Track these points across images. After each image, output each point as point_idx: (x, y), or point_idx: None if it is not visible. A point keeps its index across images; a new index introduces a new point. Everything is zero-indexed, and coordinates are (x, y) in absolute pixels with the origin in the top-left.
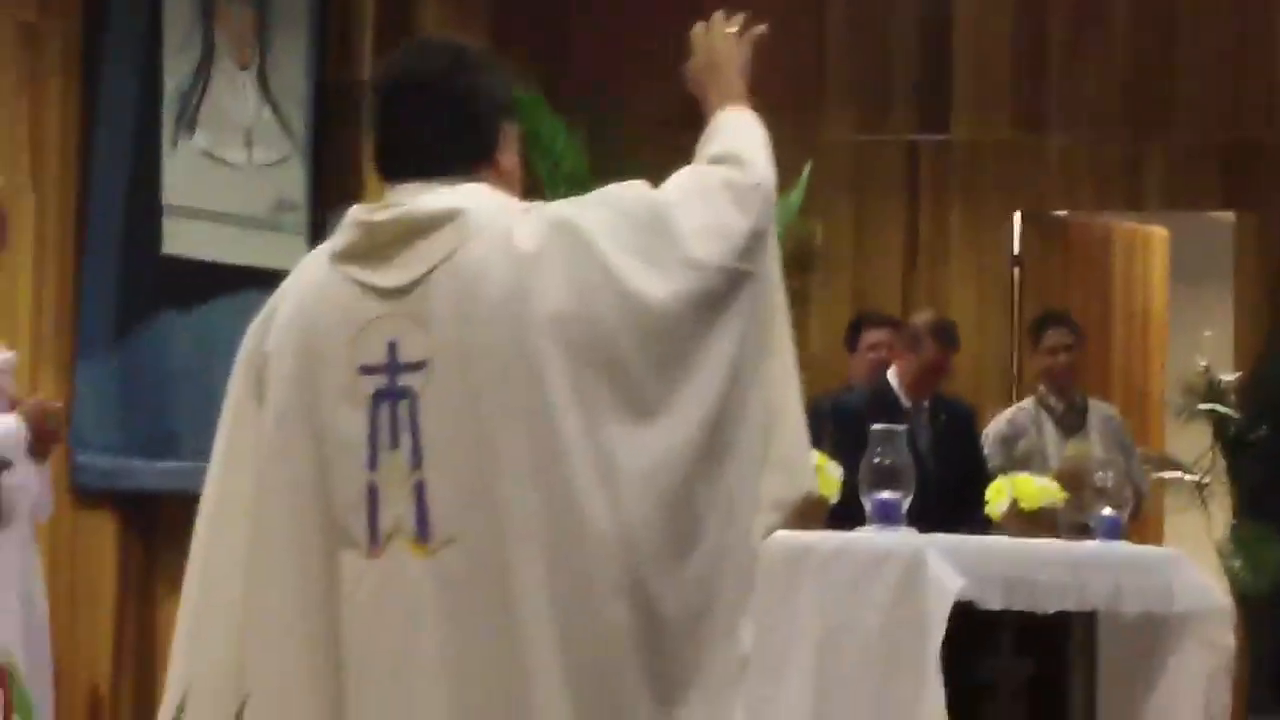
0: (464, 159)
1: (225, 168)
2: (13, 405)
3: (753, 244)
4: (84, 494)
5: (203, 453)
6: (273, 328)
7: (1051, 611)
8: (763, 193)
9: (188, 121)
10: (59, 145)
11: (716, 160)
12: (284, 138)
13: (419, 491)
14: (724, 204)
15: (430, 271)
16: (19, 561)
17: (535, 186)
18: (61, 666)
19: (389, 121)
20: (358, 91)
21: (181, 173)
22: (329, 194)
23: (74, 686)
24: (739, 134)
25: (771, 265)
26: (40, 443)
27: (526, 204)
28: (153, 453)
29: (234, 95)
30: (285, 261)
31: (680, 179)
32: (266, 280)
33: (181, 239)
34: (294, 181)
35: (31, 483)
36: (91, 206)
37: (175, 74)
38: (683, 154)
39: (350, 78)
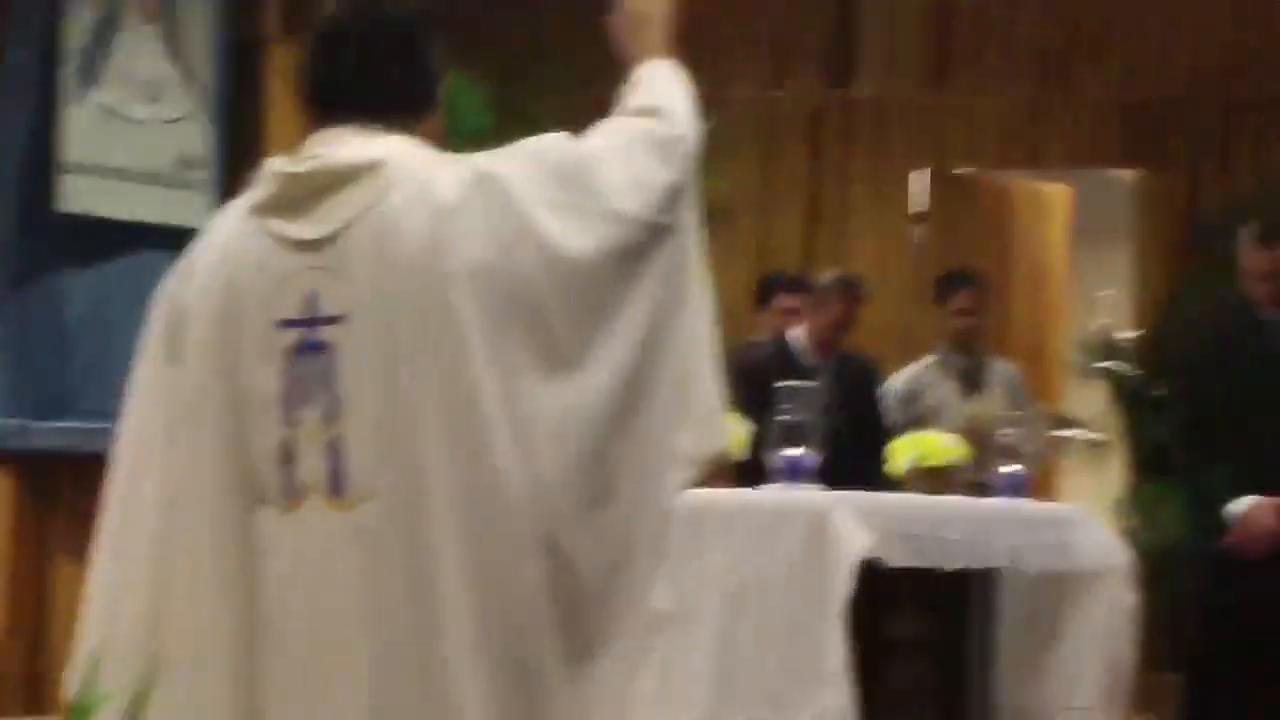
0: (403, 110)
1: (128, 124)
2: None
3: (673, 197)
4: None
5: (99, 413)
6: (189, 283)
7: (954, 568)
8: (684, 146)
9: (90, 76)
10: None
11: (639, 112)
12: (189, 94)
13: (335, 446)
14: (646, 157)
15: (350, 224)
16: None
17: (443, 145)
18: None
19: (333, 58)
20: (265, 49)
21: (82, 128)
22: (235, 151)
23: None
24: (662, 87)
25: (690, 220)
26: None
27: (447, 156)
28: (48, 412)
29: (138, 50)
30: (189, 219)
31: (602, 131)
32: (169, 238)
33: (81, 196)
34: (199, 138)
35: None
36: None
37: (77, 28)
38: (587, 113)
39: (257, 33)
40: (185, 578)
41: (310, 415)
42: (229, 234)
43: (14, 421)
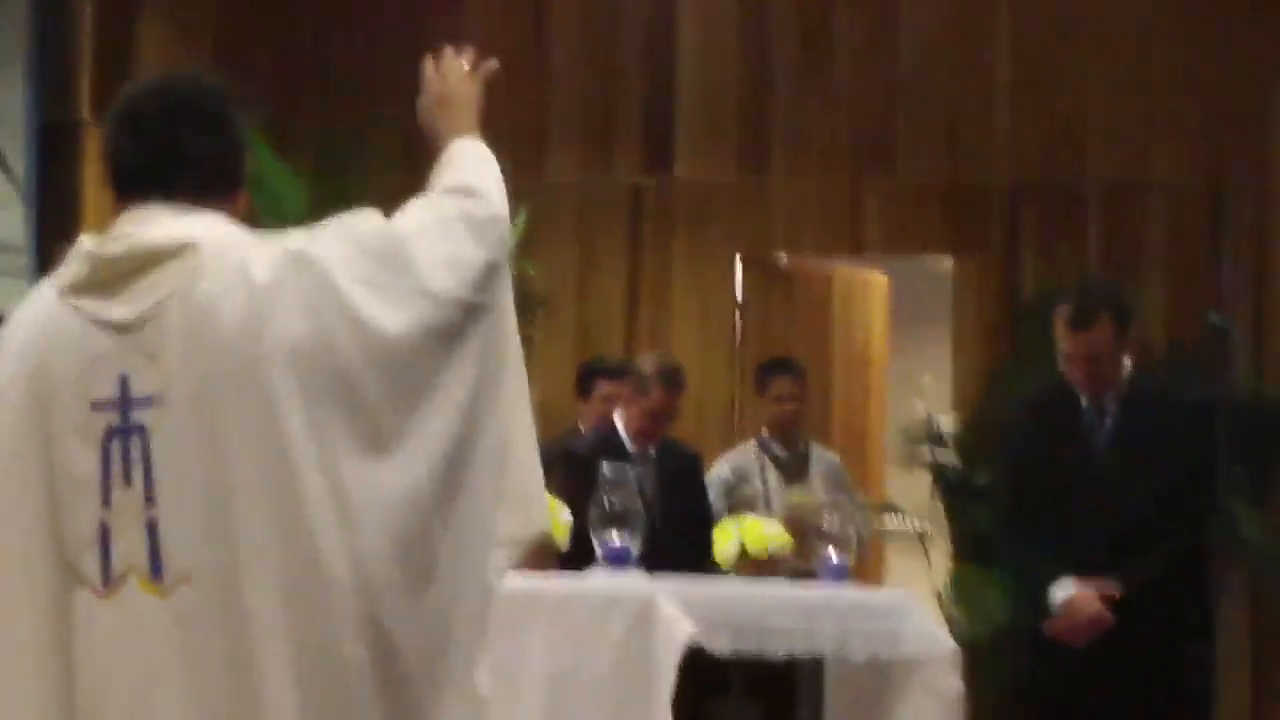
0: (210, 186)
1: None
2: None
3: (488, 275)
4: None
5: None
6: (0, 362)
7: (779, 656)
8: (498, 224)
9: None
10: None
11: (451, 191)
12: (2, 179)
13: (151, 529)
14: (459, 235)
15: (162, 303)
16: None
17: (255, 225)
18: None
19: (139, 134)
20: (78, 131)
21: None
22: (49, 236)
23: None
24: (473, 166)
25: (505, 297)
26: None
27: (259, 236)
28: None
29: None
30: (2, 304)
31: (415, 209)
32: None
33: None
34: (12, 223)
35: None
36: None
37: None
38: (404, 196)
39: (70, 117)
40: (0, 662)
41: (127, 497)
42: (39, 314)
43: None
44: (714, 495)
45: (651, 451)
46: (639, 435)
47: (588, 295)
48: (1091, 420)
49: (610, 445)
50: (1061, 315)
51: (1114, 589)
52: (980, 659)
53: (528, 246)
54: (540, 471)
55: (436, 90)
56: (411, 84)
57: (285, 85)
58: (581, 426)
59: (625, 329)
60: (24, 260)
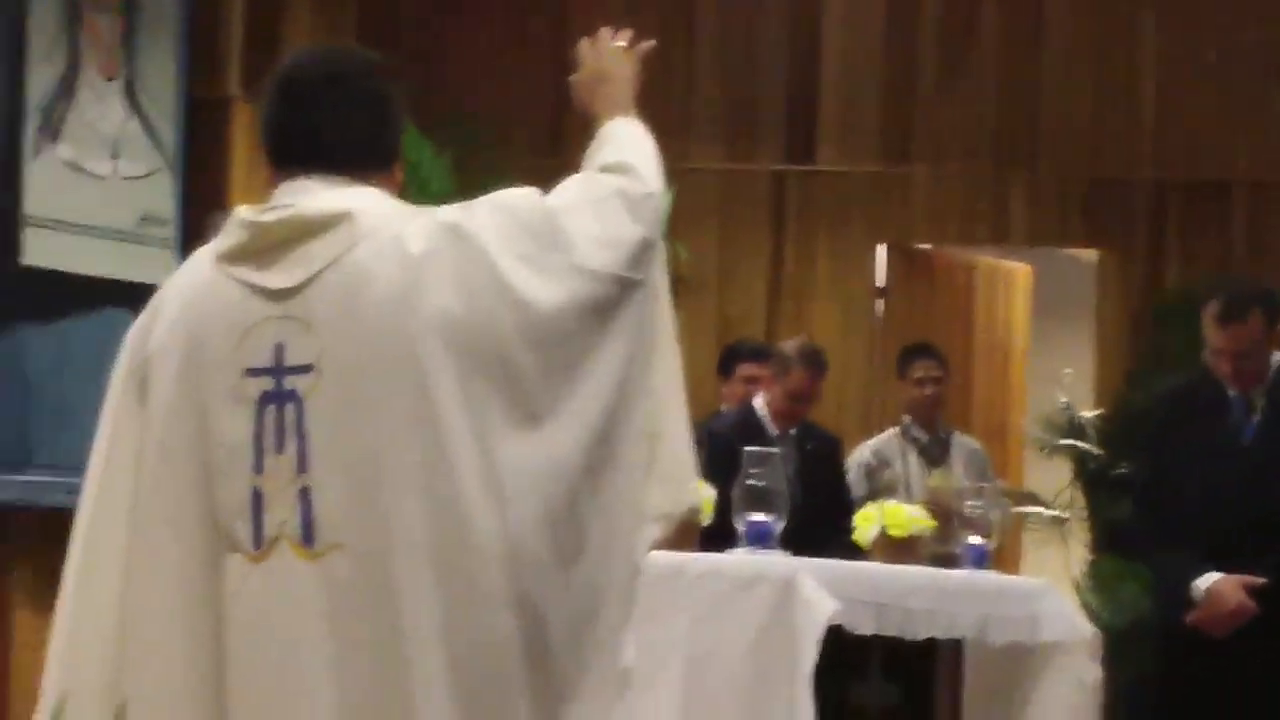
0: (367, 162)
1: (90, 179)
2: None
3: (643, 253)
4: None
5: (56, 466)
6: (154, 331)
7: (921, 638)
8: (653, 203)
9: (51, 132)
10: None
11: (607, 169)
12: (152, 150)
13: (304, 495)
14: (616, 212)
15: (318, 273)
16: None
17: (399, 194)
18: None
19: (297, 108)
20: (227, 106)
21: (44, 183)
22: (197, 208)
23: None
24: (629, 144)
25: (659, 275)
26: None
27: (416, 208)
28: (8, 465)
29: (100, 107)
30: (151, 275)
31: (571, 186)
32: (131, 294)
33: (43, 250)
34: (162, 195)
35: None
36: None
37: (39, 83)
38: (549, 177)
39: (219, 92)
40: (152, 623)
41: (279, 464)
42: (195, 282)
43: None
44: (854, 479)
45: (792, 433)
46: (780, 417)
47: (729, 282)
48: (1239, 414)
49: (751, 426)
50: (1211, 310)
51: (1258, 580)
52: (1117, 648)
53: (672, 230)
54: (691, 447)
55: (593, 69)
56: (556, 66)
57: (429, 64)
58: (723, 408)
59: (766, 316)
60: (173, 232)
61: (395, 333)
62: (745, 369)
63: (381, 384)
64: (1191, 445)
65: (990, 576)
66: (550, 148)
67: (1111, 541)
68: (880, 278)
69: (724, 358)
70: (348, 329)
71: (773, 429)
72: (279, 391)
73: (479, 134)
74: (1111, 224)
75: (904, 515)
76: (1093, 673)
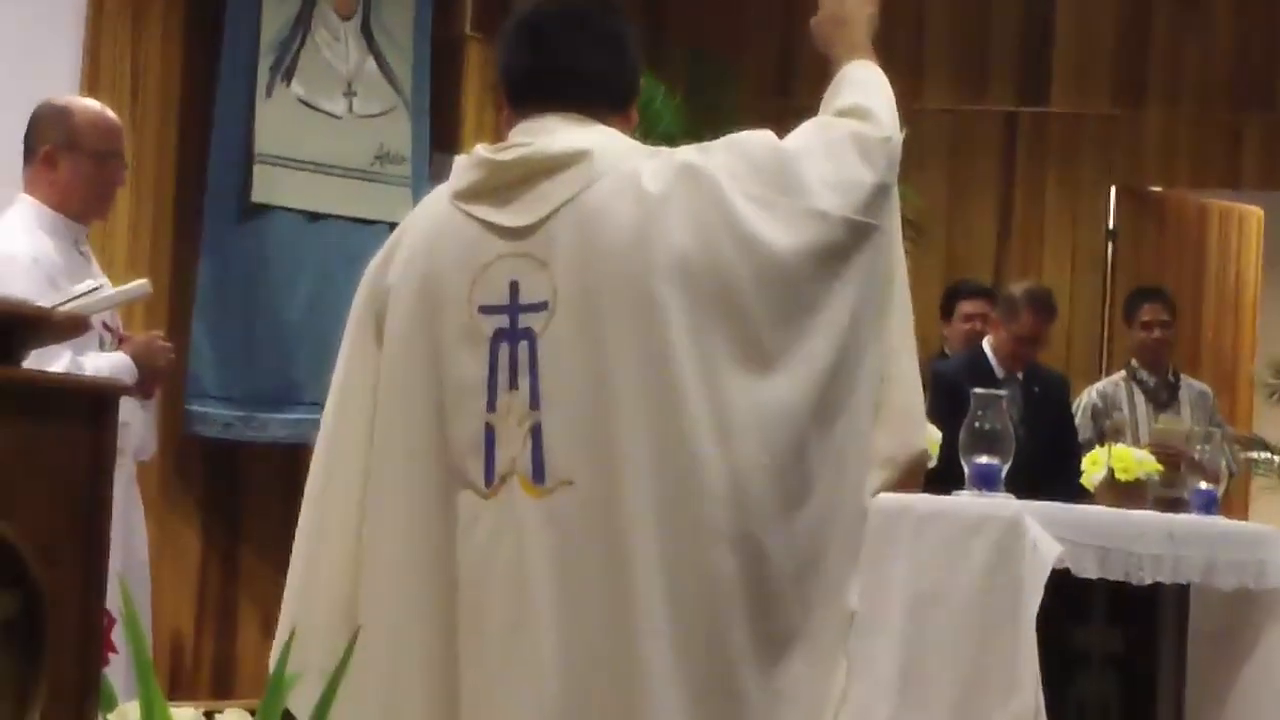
0: (607, 100)
1: (324, 117)
2: (121, 341)
3: (878, 198)
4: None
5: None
6: (392, 266)
7: (1146, 583)
8: (890, 148)
9: (286, 70)
10: (160, 88)
11: (844, 113)
12: (388, 89)
13: (535, 432)
14: (850, 157)
15: (555, 211)
16: (121, 500)
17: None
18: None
19: (538, 47)
20: (462, 45)
21: (277, 121)
22: (433, 147)
23: (158, 631)
24: (867, 88)
25: (893, 220)
26: (146, 381)
27: (653, 148)
28: (252, 404)
29: (335, 46)
30: (387, 213)
31: (807, 130)
32: (369, 231)
33: (274, 188)
34: (398, 133)
35: (136, 420)
36: (186, 153)
37: (274, 21)
38: (778, 118)
39: (454, 32)
40: (385, 557)
41: (512, 401)
42: (432, 219)
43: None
44: (1080, 422)
45: (1019, 376)
46: (1008, 359)
47: (958, 223)
48: None
49: (978, 368)
50: None
51: None
52: None
53: (902, 172)
54: (921, 392)
55: (832, 11)
56: (786, 4)
57: (658, 5)
58: (947, 349)
59: (995, 258)
60: (409, 170)
61: (631, 271)
62: (966, 306)
63: (615, 322)
64: None
65: (1217, 521)
66: (780, 87)
67: None
68: (1111, 220)
69: (945, 298)
70: (583, 267)
71: (1000, 371)
72: (513, 329)
73: (710, 73)
74: None
75: (1131, 459)
76: None
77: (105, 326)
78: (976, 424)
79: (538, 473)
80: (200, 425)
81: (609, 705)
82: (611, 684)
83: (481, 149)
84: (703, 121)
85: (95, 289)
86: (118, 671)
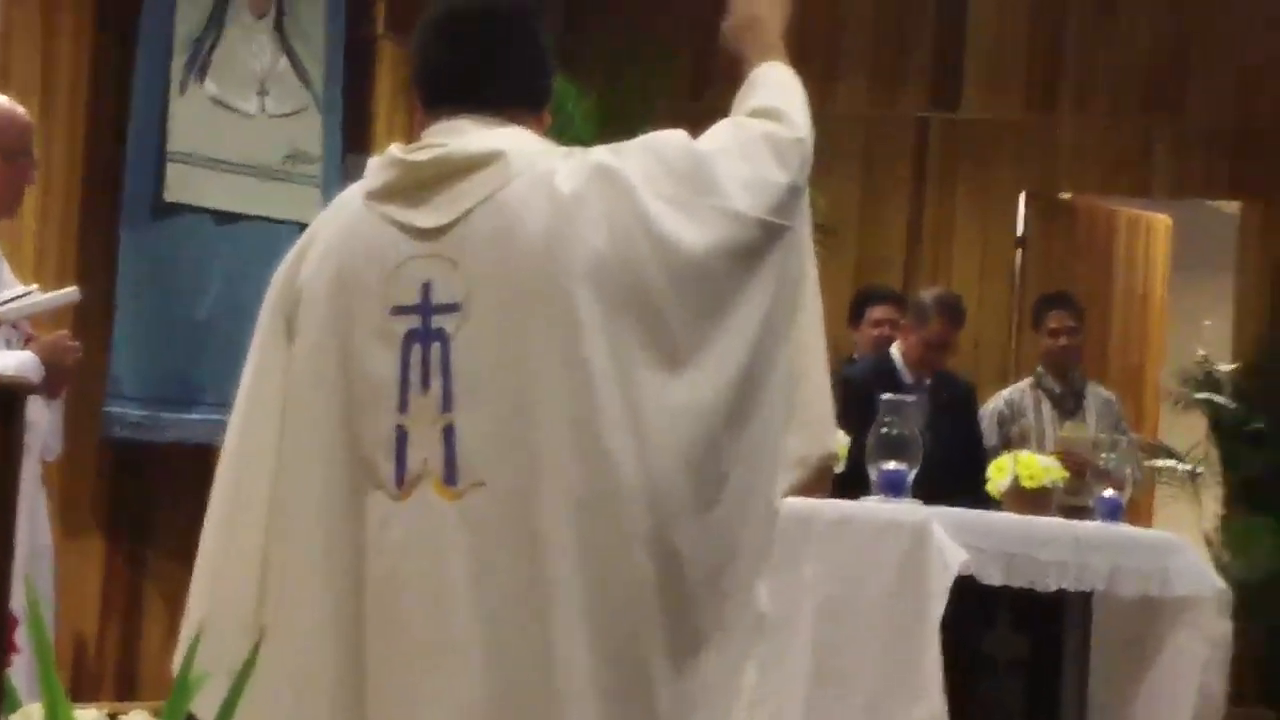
0: (521, 102)
1: (236, 116)
2: (28, 340)
3: (791, 199)
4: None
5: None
6: (304, 266)
7: (1051, 590)
8: (802, 149)
9: (199, 68)
10: (71, 85)
11: (756, 114)
12: (300, 88)
13: (448, 434)
14: (764, 157)
15: (468, 212)
16: (27, 499)
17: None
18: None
19: (452, 47)
20: (374, 45)
21: (190, 119)
22: (345, 146)
23: (62, 633)
24: (780, 89)
25: (804, 222)
26: (53, 380)
27: (566, 149)
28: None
29: (248, 44)
30: (298, 213)
31: (720, 130)
32: (280, 230)
33: (187, 186)
34: (310, 133)
35: (43, 420)
36: (96, 151)
37: (188, 19)
38: (693, 121)
39: (365, 31)
40: (294, 557)
41: (424, 402)
42: (345, 219)
43: (128, 412)
44: (987, 429)
45: (927, 382)
46: (916, 365)
47: (869, 228)
48: None
49: (887, 374)
50: None
51: None
52: (1249, 604)
53: (813, 176)
54: (830, 394)
55: (743, 13)
56: (705, 7)
57: (574, 6)
58: (855, 354)
59: (905, 263)
60: (320, 170)
61: (545, 272)
62: (875, 311)
63: (528, 323)
64: None
65: (1122, 529)
66: (695, 90)
67: (1246, 495)
68: (1020, 226)
69: (855, 302)
70: (497, 268)
71: (908, 377)
72: (425, 330)
73: (624, 75)
74: (1256, 175)
75: (1037, 466)
76: (1222, 628)
77: (13, 325)
78: (884, 430)
79: (450, 474)
80: (117, 426)
81: (527, 707)
82: (531, 687)
83: (395, 149)
84: (617, 123)
85: (27, 293)
86: (20, 672)
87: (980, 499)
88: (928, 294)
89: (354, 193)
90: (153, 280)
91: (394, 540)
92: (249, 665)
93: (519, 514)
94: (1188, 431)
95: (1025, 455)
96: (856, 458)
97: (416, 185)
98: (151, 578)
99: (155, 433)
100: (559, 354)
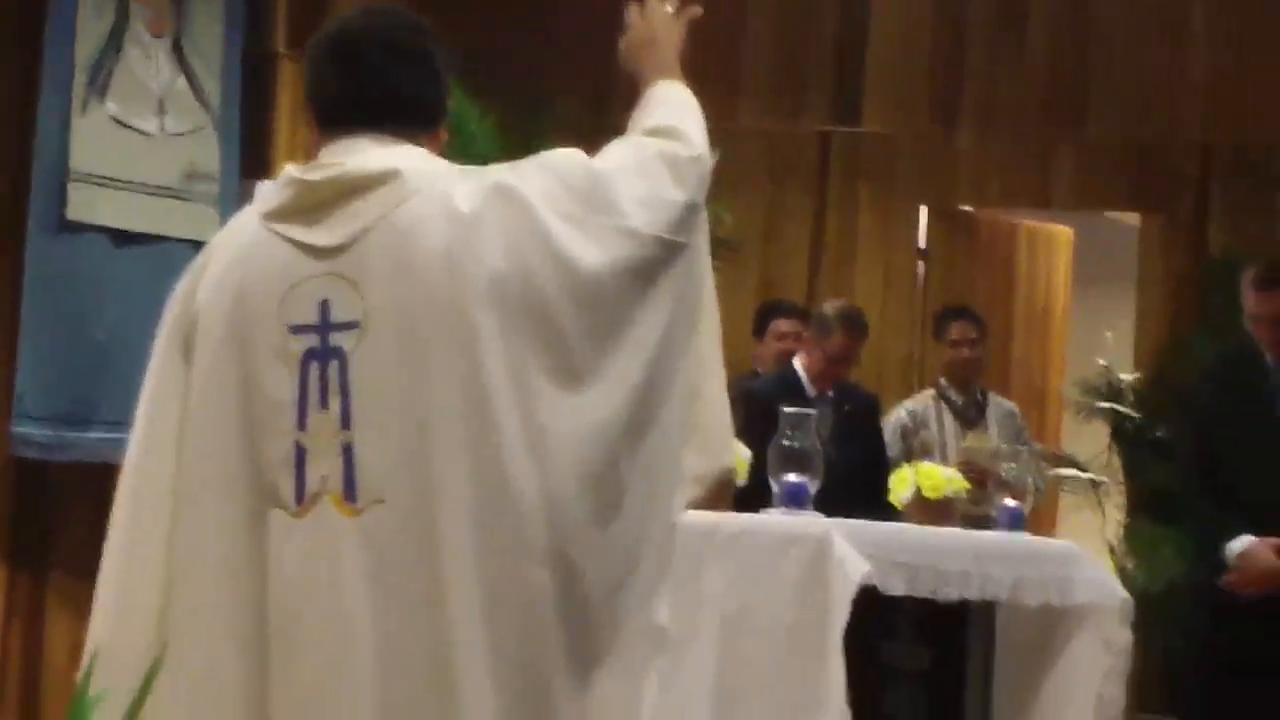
0: (417, 121)
1: (136, 135)
2: None
3: (687, 216)
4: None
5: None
6: (200, 286)
7: (954, 600)
8: (698, 167)
9: (99, 87)
10: None
11: (653, 132)
12: (198, 107)
13: (346, 451)
14: (661, 175)
15: (365, 231)
16: None
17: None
18: None
19: (346, 67)
20: (273, 63)
21: (91, 138)
22: (244, 166)
23: None
24: (676, 108)
25: (702, 239)
26: None
27: (465, 168)
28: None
29: (146, 63)
30: (197, 232)
31: (618, 149)
32: (179, 249)
33: (89, 205)
34: (208, 152)
35: None
36: (8, 169)
37: (88, 39)
38: (593, 140)
39: (264, 49)
40: (194, 577)
41: (323, 420)
42: (242, 239)
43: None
44: (889, 440)
45: (829, 394)
46: (819, 378)
47: (773, 242)
48: (1277, 383)
49: (789, 387)
50: (1249, 277)
51: None
52: (1152, 613)
53: (715, 192)
54: (728, 409)
55: (640, 32)
56: (600, 28)
57: (474, 27)
58: (758, 368)
59: (808, 277)
60: (218, 189)
61: (443, 291)
62: (778, 325)
63: (427, 341)
64: (1231, 413)
65: (1023, 539)
66: (594, 109)
67: (1148, 505)
68: (922, 239)
69: (758, 316)
70: (394, 286)
71: (811, 390)
72: (324, 348)
73: (523, 95)
74: (1156, 188)
75: (939, 477)
76: (1124, 636)
77: None
78: (786, 442)
79: (349, 491)
80: (22, 445)
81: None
82: (429, 702)
83: (291, 169)
84: (516, 143)
85: None
86: None
87: (883, 510)
88: (830, 307)
89: (251, 213)
90: (55, 299)
91: (294, 558)
92: (146, 686)
93: (418, 530)
94: (1090, 441)
95: (927, 466)
96: (759, 471)
97: (313, 205)
98: (55, 594)
99: (59, 452)
100: (458, 372)
